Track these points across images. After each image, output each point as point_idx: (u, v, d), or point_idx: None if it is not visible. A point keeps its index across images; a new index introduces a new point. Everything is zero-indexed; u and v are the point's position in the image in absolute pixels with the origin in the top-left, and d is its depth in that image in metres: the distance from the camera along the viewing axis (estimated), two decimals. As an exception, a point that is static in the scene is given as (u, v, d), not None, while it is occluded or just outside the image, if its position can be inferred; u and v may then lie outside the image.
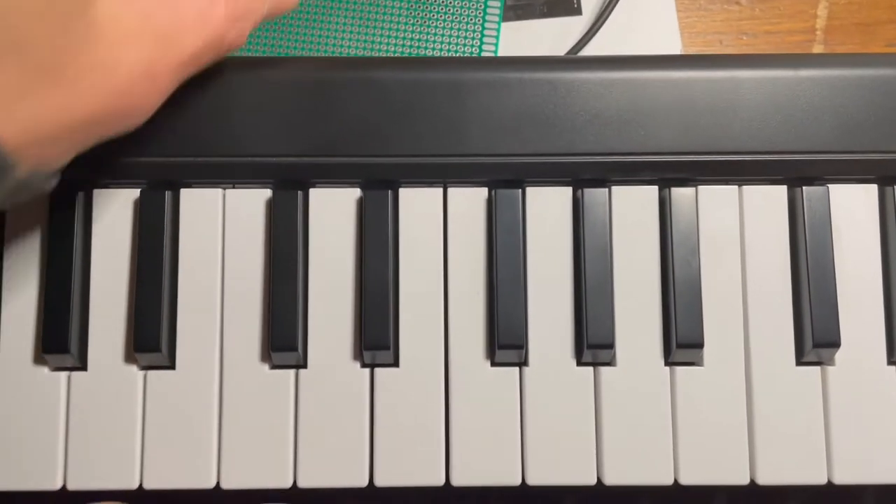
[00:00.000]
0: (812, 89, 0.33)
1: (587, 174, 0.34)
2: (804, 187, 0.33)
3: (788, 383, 0.33)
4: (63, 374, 0.33)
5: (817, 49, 0.45)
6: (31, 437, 0.33)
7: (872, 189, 0.34)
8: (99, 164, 0.33)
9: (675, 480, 0.33)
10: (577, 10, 0.45)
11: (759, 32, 0.45)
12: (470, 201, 0.34)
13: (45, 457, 0.33)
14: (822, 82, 0.33)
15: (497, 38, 0.44)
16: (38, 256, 0.34)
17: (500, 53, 0.44)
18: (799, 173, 0.34)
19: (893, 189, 0.34)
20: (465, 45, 0.44)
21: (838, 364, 0.33)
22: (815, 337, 0.32)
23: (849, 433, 0.33)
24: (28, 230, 0.34)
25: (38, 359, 0.33)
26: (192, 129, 0.33)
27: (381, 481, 0.33)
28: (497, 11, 0.44)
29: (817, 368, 0.33)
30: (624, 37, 0.45)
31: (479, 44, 0.44)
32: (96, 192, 0.34)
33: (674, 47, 0.44)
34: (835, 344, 0.33)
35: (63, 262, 0.33)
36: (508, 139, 0.34)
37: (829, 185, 0.34)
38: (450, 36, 0.44)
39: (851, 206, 0.34)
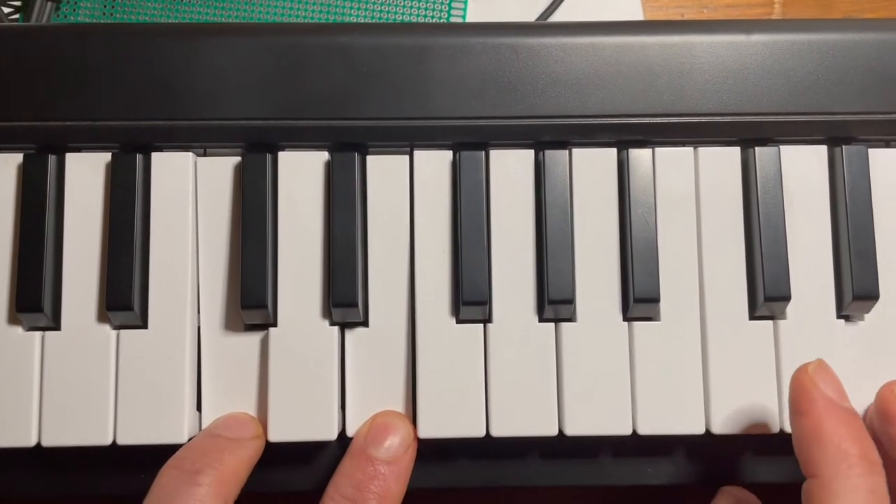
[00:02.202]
0: (763, 53, 0.35)
1: (548, 136, 0.35)
2: (756, 148, 0.35)
3: (742, 336, 0.34)
4: (37, 334, 0.34)
5: (775, 22, 0.46)
6: (5, 396, 0.34)
7: (822, 150, 0.35)
8: (71, 128, 0.34)
9: (634, 430, 0.34)
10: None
11: (719, 6, 0.47)
12: (435, 163, 0.35)
13: (20, 414, 0.34)
14: (773, 46, 0.35)
15: (465, 6, 0.45)
16: (12, 218, 0.34)
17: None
18: (751, 134, 0.35)
19: (842, 149, 0.35)
20: (433, 12, 0.45)
21: (789, 318, 0.35)
22: (767, 291, 0.34)
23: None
24: (0, 191, 0.34)
25: (13, 319, 0.34)
26: (163, 94, 0.34)
27: (352, 433, 0.34)
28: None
29: (769, 322, 0.35)
30: (587, 11, 0.46)
31: (447, 11, 0.45)
32: (69, 155, 0.35)
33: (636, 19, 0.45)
34: (785, 297, 0.34)
35: (36, 224, 0.34)
36: (473, 102, 0.35)
37: (780, 147, 0.35)
38: (419, 4, 0.45)
39: (802, 167, 0.35)
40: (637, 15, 0.46)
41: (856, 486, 0.28)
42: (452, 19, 0.45)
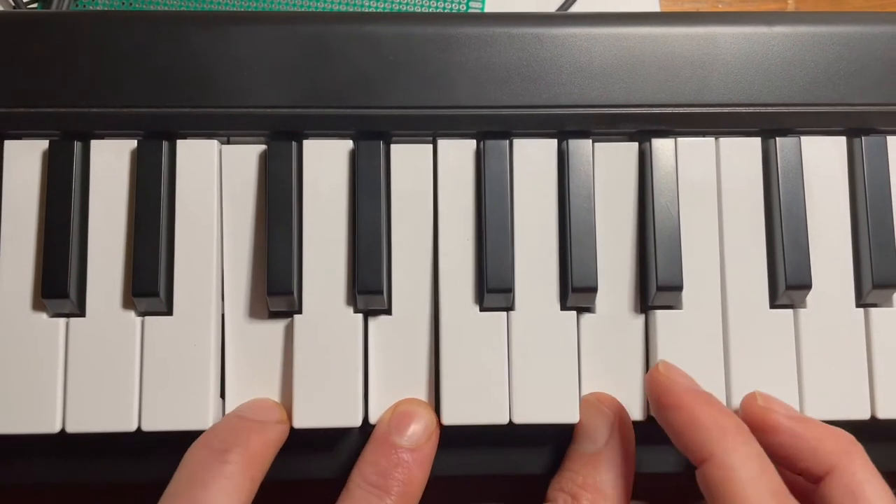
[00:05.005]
0: (785, 45, 0.35)
1: (571, 126, 0.35)
2: (777, 138, 0.35)
3: (762, 325, 0.35)
4: (62, 320, 0.34)
5: (789, 17, 0.46)
6: (30, 382, 0.34)
7: (841, 141, 0.36)
8: (96, 114, 0.34)
9: (651, 417, 0.34)
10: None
11: (734, 1, 0.47)
12: (459, 152, 0.35)
13: (44, 400, 0.34)
14: (794, 38, 0.35)
15: (483, -1, 0.46)
16: (37, 203, 0.34)
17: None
18: (772, 125, 0.35)
19: (861, 140, 0.35)
20: (451, 3, 0.45)
21: (809, 307, 0.35)
22: (788, 279, 0.34)
23: (819, 372, 0.35)
24: (27, 178, 0.35)
25: (38, 304, 0.34)
26: (188, 81, 0.34)
27: (375, 421, 0.34)
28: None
29: (790, 311, 0.35)
30: (604, 3, 0.46)
31: (465, 1, 0.45)
32: (94, 142, 0.35)
33: (652, 13, 0.46)
34: (806, 286, 0.34)
35: (62, 209, 0.34)
36: (496, 92, 0.35)
37: (800, 137, 0.35)
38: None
39: (821, 158, 0.36)
40: (653, 8, 0.46)
41: (747, 453, 0.29)
42: (471, 10, 0.45)
